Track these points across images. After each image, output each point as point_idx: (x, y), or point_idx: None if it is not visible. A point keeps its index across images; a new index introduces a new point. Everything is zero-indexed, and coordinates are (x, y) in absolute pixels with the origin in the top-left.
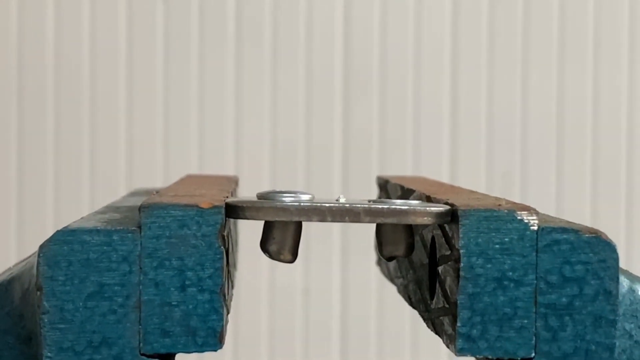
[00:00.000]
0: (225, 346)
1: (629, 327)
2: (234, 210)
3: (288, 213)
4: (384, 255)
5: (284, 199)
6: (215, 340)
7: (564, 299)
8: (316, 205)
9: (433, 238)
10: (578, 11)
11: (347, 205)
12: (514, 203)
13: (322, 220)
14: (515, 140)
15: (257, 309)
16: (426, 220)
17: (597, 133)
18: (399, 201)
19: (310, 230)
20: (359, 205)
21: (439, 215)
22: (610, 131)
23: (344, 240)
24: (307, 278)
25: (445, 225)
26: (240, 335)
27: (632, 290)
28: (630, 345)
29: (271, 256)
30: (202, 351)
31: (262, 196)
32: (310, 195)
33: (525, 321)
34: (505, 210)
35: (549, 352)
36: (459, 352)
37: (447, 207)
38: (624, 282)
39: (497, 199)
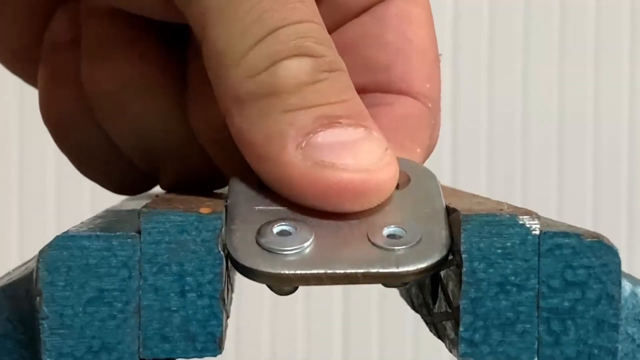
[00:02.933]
0: (226, 349)
1: (631, 331)
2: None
3: (287, 281)
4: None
5: (285, 254)
6: (214, 346)
7: (566, 303)
8: (314, 273)
9: None
10: (579, 15)
11: (346, 271)
12: (516, 207)
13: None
14: (516, 144)
15: (259, 312)
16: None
17: (599, 137)
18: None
19: None
20: (358, 271)
21: (431, 269)
22: (612, 135)
23: None
24: None
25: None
26: (241, 339)
27: (634, 294)
28: (632, 349)
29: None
30: (202, 356)
31: (261, 242)
32: (311, 238)
33: (528, 326)
34: (507, 215)
35: (551, 356)
36: (462, 356)
37: (440, 258)
38: (626, 286)
39: (498, 203)
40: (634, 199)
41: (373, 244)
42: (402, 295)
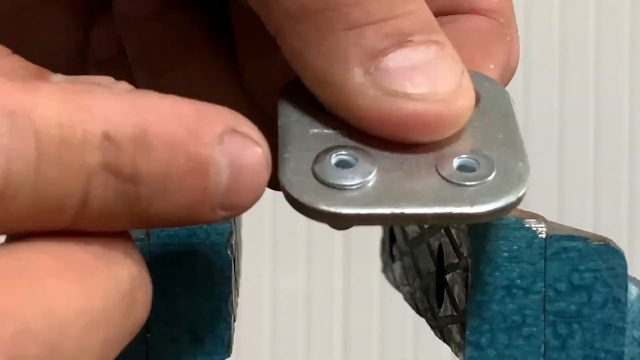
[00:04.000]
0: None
1: (637, 335)
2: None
3: (348, 221)
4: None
5: (346, 189)
6: (222, 349)
7: (572, 307)
8: (378, 213)
9: (440, 246)
10: (579, 16)
11: (415, 212)
12: (522, 211)
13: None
14: None
15: (259, 315)
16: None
17: (599, 139)
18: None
19: (313, 237)
20: (427, 212)
21: (508, 209)
22: (613, 137)
23: (346, 247)
24: (309, 285)
25: (453, 233)
26: (242, 342)
27: None
28: (639, 352)
29: None
30: (209, 359)
31: (318, 174)
32: (374, 170)
33: (534, 329)
34: (513, 218)
35: None
36: None
37: (518, 196)
38: (633, 289)
39: None
40: (635, 202)
41: (442, 177)
42: (406, 299)
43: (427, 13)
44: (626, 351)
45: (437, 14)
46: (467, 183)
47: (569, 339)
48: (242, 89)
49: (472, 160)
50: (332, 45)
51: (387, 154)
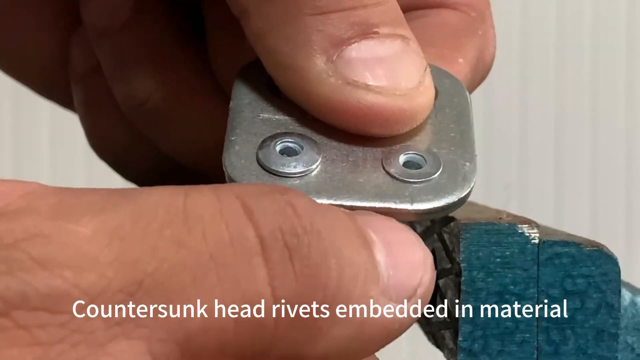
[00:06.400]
0: None
1: (630, 340)
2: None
3: None
4: None
5: (288, 178)
6: None
7: (565, 313)
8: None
9: (433, 251)
10: (576, 18)
11: (354, 204)
12: (515, 216)
13: None
14: (513, 151)
15: None
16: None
17: (596, 144)
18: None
19: None
20: (366, 205)
21: (448, 208)
22: (610, 141)
23: None
24: None
25: (446, 238)
26: None
27: (634, 304)
28: (632, 358)
29: None
30: None
31: (262, 160)
32: (318, 160)
33: (527, 335)
34: (506, 224)
35: None
36: None
37: (459, 197)
38: (626, 295)
39: (497, 211)
40: (632, 207)
41: (387, 172)
42: None
43: (395, 7)
44: (619, 357)
45: (407, 8)
46: (411, 180)
47: (562, 345)
48: (218, 88)
49: (419, 157)
50: (296, 30)
51: (334, 144)
